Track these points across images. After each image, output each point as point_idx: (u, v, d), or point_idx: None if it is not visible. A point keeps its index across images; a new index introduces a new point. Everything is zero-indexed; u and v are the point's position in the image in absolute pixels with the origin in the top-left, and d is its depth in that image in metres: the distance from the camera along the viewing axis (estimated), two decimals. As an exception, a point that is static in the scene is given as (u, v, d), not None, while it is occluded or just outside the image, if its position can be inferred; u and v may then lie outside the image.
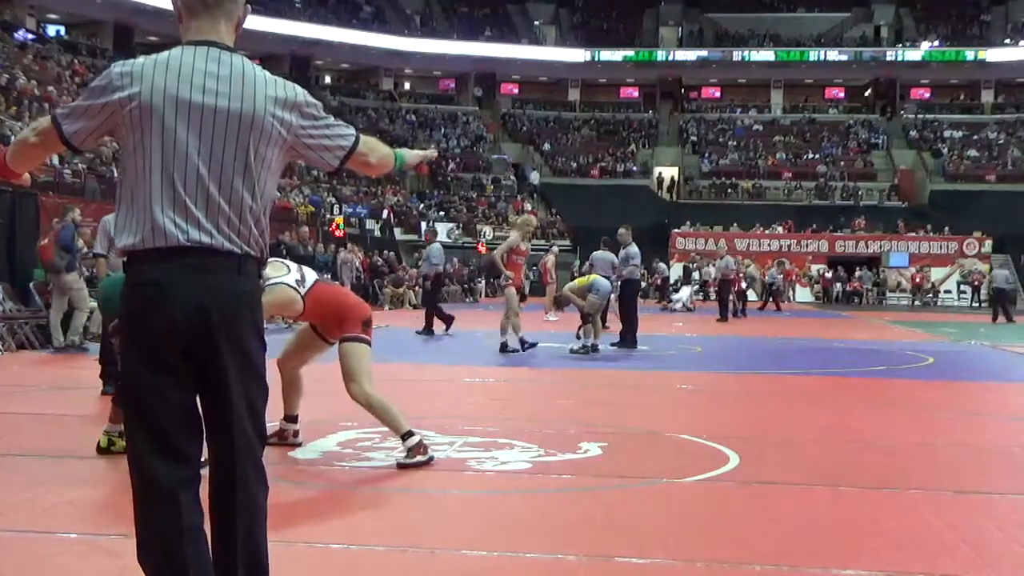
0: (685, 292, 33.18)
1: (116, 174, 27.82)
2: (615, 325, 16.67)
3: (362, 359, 6.16)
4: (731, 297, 26.41)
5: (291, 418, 6.65)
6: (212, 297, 2.90)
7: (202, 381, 2.96)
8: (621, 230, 15.96)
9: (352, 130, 3.31)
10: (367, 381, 6.12)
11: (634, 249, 15.82)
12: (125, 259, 3.00)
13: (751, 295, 32.16)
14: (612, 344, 15.00)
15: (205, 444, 2.99)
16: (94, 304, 14.25)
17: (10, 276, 15.73)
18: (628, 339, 15.51)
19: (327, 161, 3.23)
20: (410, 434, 6.06)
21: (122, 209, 3.00)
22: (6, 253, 15.78)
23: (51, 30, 49.68)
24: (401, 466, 5.97)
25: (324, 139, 3.20)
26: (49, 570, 4.18)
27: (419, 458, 6.00)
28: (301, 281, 6.18)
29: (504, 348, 14.25)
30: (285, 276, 6.13)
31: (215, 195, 2.95)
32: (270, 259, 5.88)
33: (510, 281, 14.33)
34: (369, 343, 6.26)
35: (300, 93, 3.17)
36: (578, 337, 15.09)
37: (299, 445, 6.57)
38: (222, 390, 2.95)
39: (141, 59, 3.06)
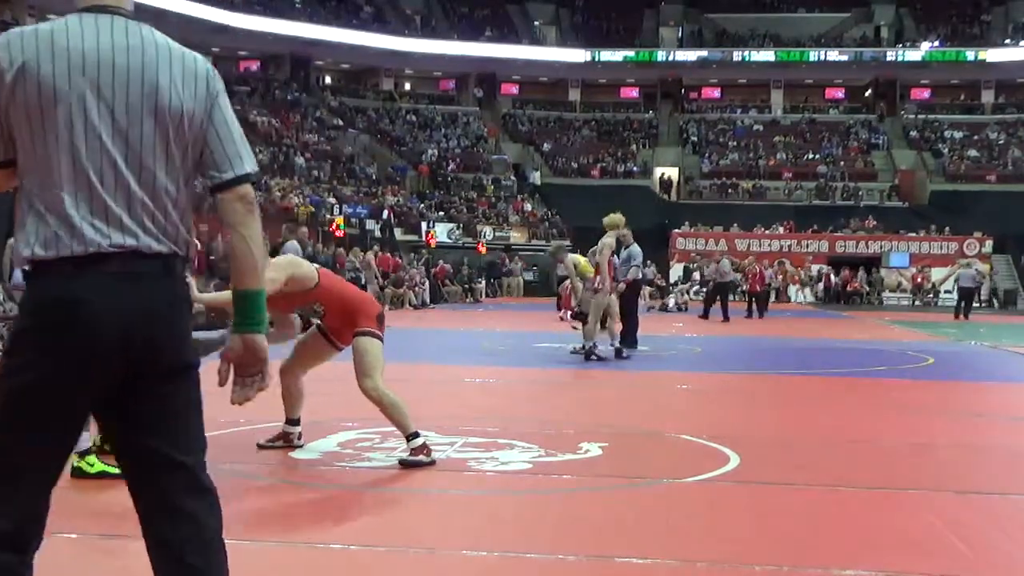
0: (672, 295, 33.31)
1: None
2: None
3: (376, 355, 6.10)
4: (730, 298, 26.41)
5: (293, 421, 6.60)
6: (141, 312, 2.47)
7: (113, 409, 2.56)
8: (623, 230, 15.65)
9: (253, 163, 2.71)
10: (380, 377, 6.06)
11: (636, 249, 15.68)
12: (26, 271, 2.50)
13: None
14: (611, 345, 14.76)
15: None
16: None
17: (10, 276, 15.72)
18: (628, 340, 15.40)
19: (213, 169, 2.63)
20: (416, 435, 6.02)
21: (24, 212, 2.50)
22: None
23: (51, 30, 49.64)
24: (404, 464, 5.96)
25: (228, 141, 2.66)
26: (52, 570, 4.18)
27: (422, 458, 5.97)
28: (311, 262, 6.33)
29: (590, 355, 13.66)
30: (297, 258, 6.29)
31: (135, 188, 2.51)
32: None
33: (603, 287, 13.82)
34: (382, 339, 6.21)
35: (218, 77, 2.71)
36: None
37: (301, 447, 6.56)
38: (143, 424, 2.57)
39: (20, 30, 2.57)
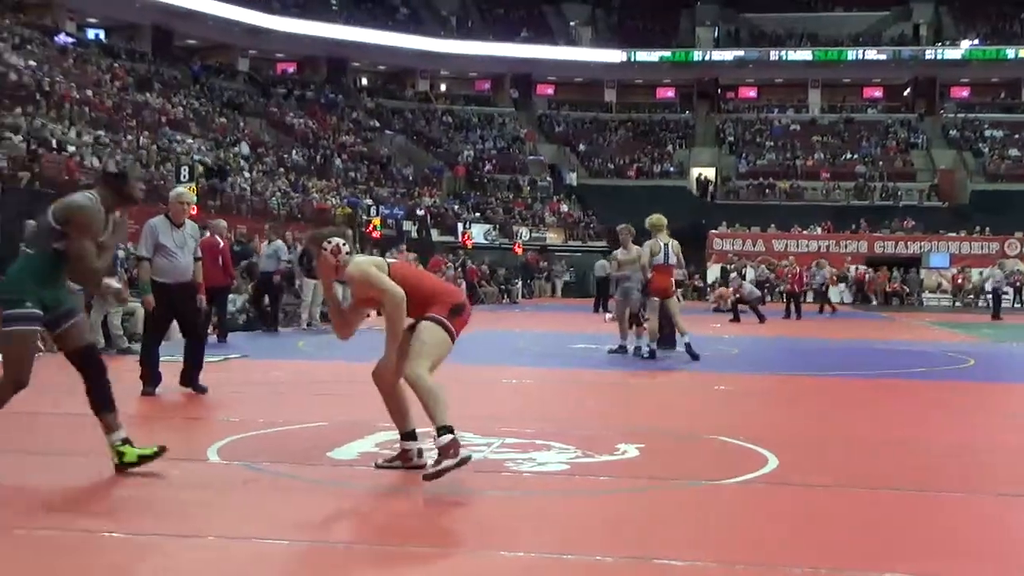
0: None
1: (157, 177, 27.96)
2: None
3: (430, 342, 5.61)
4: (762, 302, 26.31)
5: (408, 435, 5.98)
6: None
7: None
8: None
9: None
10: (426, 364, 5.56)
11: (676, 247, 15.48)
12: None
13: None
14: (648, 346, 14.57)
15: None
16: (135, 305, 14.38)
17: None
18: (665, 341, 15.20)
19: None
20: (447, 430, 5.45)
21: None
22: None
23: (91, 34, 50.18)
24: (427, 478, 5.41)
25: None
26: (93, 570, 4.22)
27: (447, 463, 5.38)
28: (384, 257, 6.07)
29: (653, 354, 13.71)
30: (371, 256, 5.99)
31: None
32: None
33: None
34: (451, 333, 5.70)
35: None
36: (638, 338, 14.58)
37: (422, 465, 5.80)
38: None
39: None
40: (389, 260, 5.89)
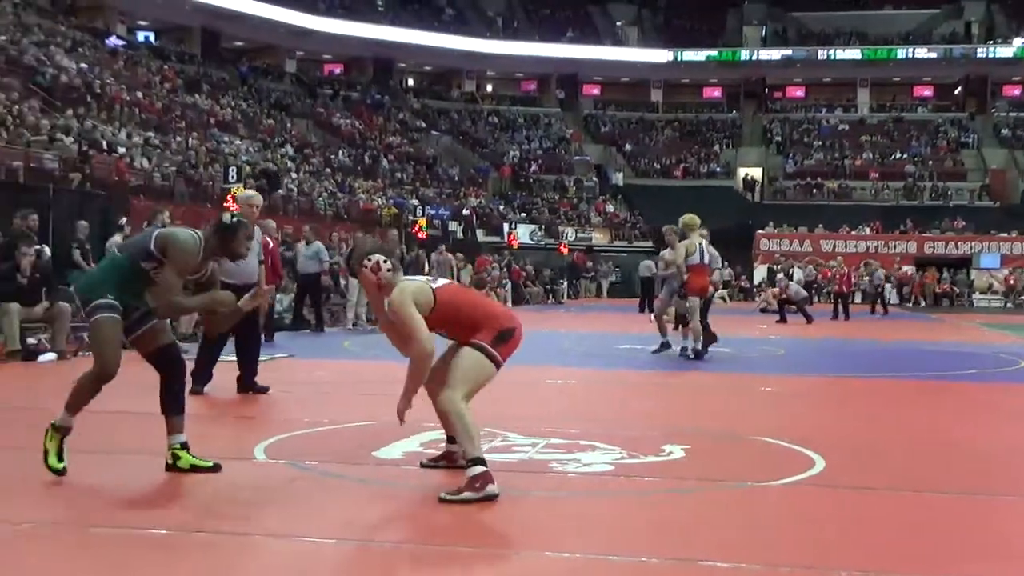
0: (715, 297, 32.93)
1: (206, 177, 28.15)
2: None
3: (471, 369, 5.41)
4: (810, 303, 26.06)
5: (453, 438, 5.83)
6: None
7: None
8: (701, 231, 15.31)
9: None
10: (461, 391, 5.36)
11: (713, 250, 15.42)
12: None
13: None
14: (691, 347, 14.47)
15: None
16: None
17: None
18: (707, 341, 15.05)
19: None
20: (478, 462, 5.22)
21: None
22: (99, 255, 16.11)
23: (141, 36, 50.73)
24: (443, 501, 5.16)
25: None
26: (141, 568, 4.26)
27: (467, 495, 5.12)
28: (432, 280, 5.61)
29: (699, 354, 13.85)
30: (417, 277, 5.70)
31: None
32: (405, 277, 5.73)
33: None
34: (495, 360, 5.46)
35: None
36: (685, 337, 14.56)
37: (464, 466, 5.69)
38: None
39: None
40: (437, 284, 5.56)
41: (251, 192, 10.68)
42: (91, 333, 5.66)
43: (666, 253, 15.23)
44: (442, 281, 5.62)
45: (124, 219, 15.49)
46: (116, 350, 5.54)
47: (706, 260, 14.02)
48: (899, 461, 6.78)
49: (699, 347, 13.88)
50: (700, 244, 13.91)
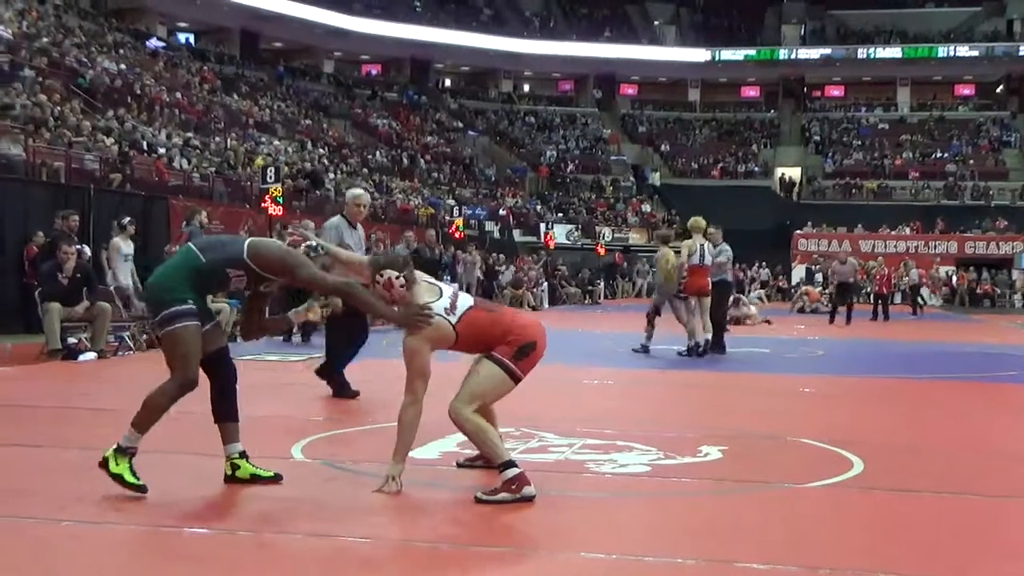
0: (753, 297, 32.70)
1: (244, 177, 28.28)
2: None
3: (485, 383, 5.40)
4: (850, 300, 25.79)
5: None
6: None
7: None
8: (711, 229, 15.27)
9: None
10: (469, 403, 5.36)
11: (726, 249, 15.33)
12: None
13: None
14: (682, 353, 14.46)
15: None
16: (217, 306, 14.64)
17: (141, 279, 16.18)
18: (716, 344, 15.01)
19: None
20: (511, 465, 5.25)
21: None
22: (139, 255, 16.23)
23: (181, 38, 51.11)
24: (479, 501, 5.20)
25: None
26: (178, 565, 4.30)
27: (503, 495, 5.16)
28: (451, 309, 5.39)
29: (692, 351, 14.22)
30: (434, 303, 5.39)
31: None
32: (422, 280, 5.58)
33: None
34: (513, 374, 5.42)
35: None
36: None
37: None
38: None
39: None
40: (457, 315, 5.39)
41: (358, 191, 10.37)
42: (173, 341, 5.34)
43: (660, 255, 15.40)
44: (463, 306, 5.44)
45: (127, 219, 15.39)
46: (198, 359, 5.37)
47: (707, 261, 14.37)
48: (938, 463, 6.72)
49: (692, 344, 14.20)
50: (701, 245, 14.31)
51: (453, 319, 5.36)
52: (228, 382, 5.59)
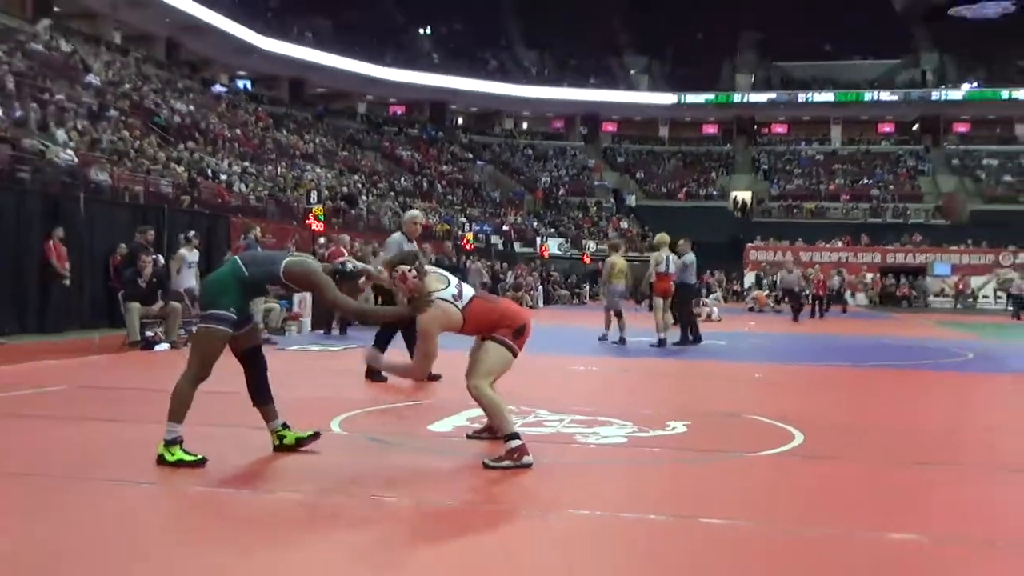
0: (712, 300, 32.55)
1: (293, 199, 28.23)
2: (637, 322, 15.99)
3: (494, 360, 5.40)
4: (803, 302, 25.75)
5: None
6: None
7: None
8: (681, 241, 15.34)
9: None
10: (486, 378, 5.37)
11: (690, 258, 15.25)
12: None
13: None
14: (652, 344, 14.41)
15: None
16: (268, 306, 14.64)
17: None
18: (690, 337, 15.00)
19: None
20: (513, 437, 5.23)
21: None
22: (204, 266, 16.21)
23: (240, 84, 51.14)
24: (486, 466, 5.17)
25: None
26: (228, 524, 4.27)
27: (507, 463, 5.15)
28: (458, 296, 5.36)
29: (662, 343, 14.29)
30: (444, 291, 5.35)
31: None
32: (432, 271, 5.62)
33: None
34: (513, 351, 5.44)
35: None
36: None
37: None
38: None
39: None
40: (463, 302, 5.36)
41: (416, 212, 10.18)
42: (201, 338, 5.27)
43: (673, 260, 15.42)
44: (467, 294, 5.44)
45: (192, 232, 15.30)
46: (214, 360, 5.24)
47: (671, 269, 14.60)
48: (866, 436, 6.70)
49: (663, 337, 14.29)
50: (667, 257, 14.56)
51: (460, 305, 5.36)
52: (260, 372, 5.51)
